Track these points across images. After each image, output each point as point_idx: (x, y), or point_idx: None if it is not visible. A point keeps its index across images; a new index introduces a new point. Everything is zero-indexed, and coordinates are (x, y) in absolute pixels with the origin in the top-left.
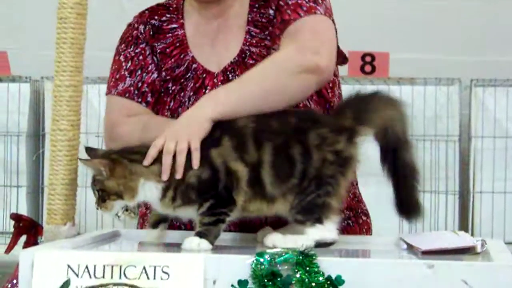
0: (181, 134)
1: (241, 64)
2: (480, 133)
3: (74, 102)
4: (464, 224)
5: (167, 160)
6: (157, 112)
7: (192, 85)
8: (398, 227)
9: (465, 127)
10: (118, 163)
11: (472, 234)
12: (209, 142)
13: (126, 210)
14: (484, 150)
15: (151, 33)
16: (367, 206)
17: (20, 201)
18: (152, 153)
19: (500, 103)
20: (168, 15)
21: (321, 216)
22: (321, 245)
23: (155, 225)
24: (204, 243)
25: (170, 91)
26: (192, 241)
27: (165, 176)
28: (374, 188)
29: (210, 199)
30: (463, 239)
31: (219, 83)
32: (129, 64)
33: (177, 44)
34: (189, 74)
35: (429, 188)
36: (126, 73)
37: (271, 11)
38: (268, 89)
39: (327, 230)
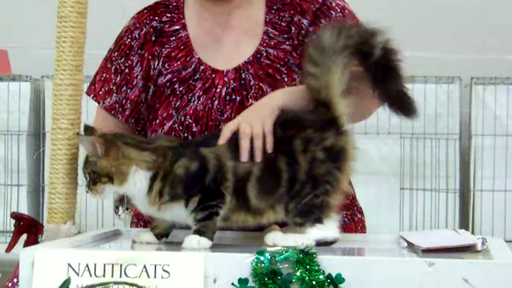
0: (255, 119)
1: (255, 64)
2: (480, 131)
3: (74, 101)
4: (465, 222)
5: (246, 143)
6: (134, 122)
7: (200, 85)
8: (399, 225)
9: (465, 125)
10: (114, 144)
11: (473, 232)
12: (199, 142)
13: (127, 208)
14: (484, 148)
15: (153, 37)
16: (366, 204)
17: (21, 200)
18: (226, 134)
19: (500, 101)
20: (168, 15)
21: (320, 216)
22: (322, 244)
23: (158, 237)
24: (204, 241)
25: (178, 92)
26: (192, 239)
27: (244, 157)
28: (374, 186)
29: (197, 194)
30: (463, 237)
31: (231, 81)
32: (118, 78)
33: (182, 47)
34: (197, 75)
35: (430, 186)
36: (114, 87)
37: (300, 19)
38: None
39: (328, 229)
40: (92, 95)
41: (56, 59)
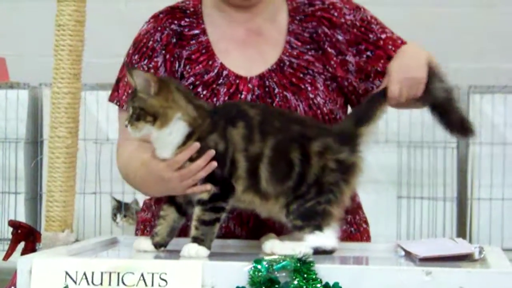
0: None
1: (278, 72)
2: (478, 140)
3: (72, 109)
4: (462, 230)
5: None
6: None
7: (225, 90)
8: (396, 234)
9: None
10: (167, 86)
11: (470, 241)
12: (228, 118)
13: (125, 216)
14: (482, 157)
15: (174, 40)
16: (365, 213)
17: (18, 207)
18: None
19: (497, 110)
20: (187, 19)
21: (321, 223)
22: (320, 252)
23: (156, 246)
24: (202, 250)
25: (202, 95)
26: (190, 248)
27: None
28: (373, 195)
29: (214, 185)
30: (461, 246)
31: (255, 88)
32: None
33: (203, 51)
34: (220, 80)
35: (427, 194)
36: None
37: (328, 32)
38: None
39: (327, 237)
40: (115, 101)
41: (54, 67)
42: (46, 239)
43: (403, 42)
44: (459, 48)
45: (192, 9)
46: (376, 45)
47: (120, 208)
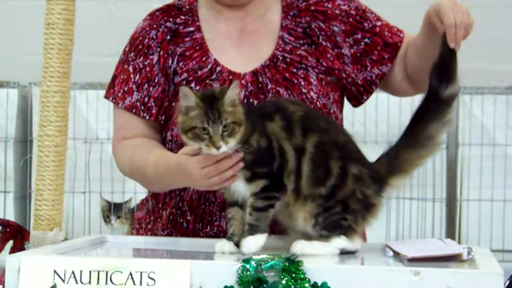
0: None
1: (272, 68)
2: (467, 141)
3: (62, 108)
4: (451, 231)
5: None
6: (165, 119)
7: (218, 86)
8: (385, 234)
9: (452, 135)
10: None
11: (459, 242)
12: (263, 114)
13: (118, 217)
14: (471, 158)
15: (168, 37)
16: None
17: (7, 206)
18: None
19: (487, 111)
20: (182, 17)
21: (346, 233)
22: (346, 252)
23: (238, 245)
24: (259, 238)
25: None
26: (248, 244)
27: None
28: None
29: (263, 179)
30: (449, 247)
31: (249, 84)
32: (137, 77)
33: (197, 48)
34: (213, 76)
35: (416, 195)
36: (134, 86)
37: (320, 24)
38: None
39: (351, 241)
40: (111, 98)
41: (43, 66)
42: (34, 237)
43: (399, 30)
44: None
45: (187, 7)
46: (372, 32)
47: (110, 210)
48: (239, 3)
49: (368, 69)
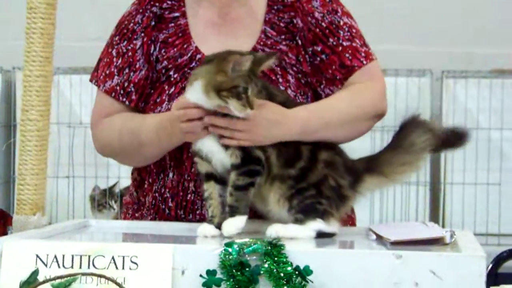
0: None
1: None
2: (451, 125)
3: (44, 92)
4: (435, 215)
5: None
6: (143, 106)
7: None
8: (369, 218)
9: (436, 119)
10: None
11: (443, 225)
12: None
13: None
14: None
15: (153, 22)
16: None
17: None
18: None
19: (471, 95)
20: (169, 2)
21: (322, 216)
22: (322, 235)
23: (219, 227)
24: (239, 221)
25: (172, 79)
26: (228, 226)
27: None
28: None
29: (239, 149)
30: (432, 230)
31: None
32: (120, 61)
33: (180, 34)
34: (193, 64)
35: None
36: (115, 70)
37: (298, 21)
38: (343, 124)
39: (328, 224)
40: (94, 81)
41: (25, 50)
42: (17, 222)
43: (367, 58)
44: (432, 33)
45: None
46: (333, 50)
47: (107, 195)
48: None
49: (322, 86)
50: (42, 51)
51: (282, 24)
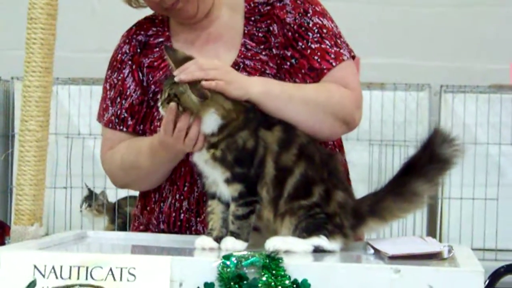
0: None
1: None
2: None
3: (43, 103)
4: (432, 229)
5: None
6: (143, 128)
7: None
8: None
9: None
10: None
11: (440, 240)
12: (262, 121)
13: (89, 206)
14: None
15: (138, 50)
16: None
17: None
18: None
19: (469, 110)
20: (154, 29)
21: (327, 233)
22: (320, 250)
23: (217, 240)
24: (239, 244)
25: None
26: (227, 241)
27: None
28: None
29: (240, 183)
30: (430, 245)
31: None
32: (112, 92)
33: (165, 57)
34: None
35: None
36: (109, 102)
37: (274, 28)
38: (306, 104)
39: (330, 242)
40: (97, 118)
41: (25, 61)
42: (15, 232)
43: (337, 58)
44: (431, 48)
45: (160, 18)
46: (301, 54)
47: (89, 198)
48: (192, 22)
49: None
50: (42, 62)
51: (260, 34)
